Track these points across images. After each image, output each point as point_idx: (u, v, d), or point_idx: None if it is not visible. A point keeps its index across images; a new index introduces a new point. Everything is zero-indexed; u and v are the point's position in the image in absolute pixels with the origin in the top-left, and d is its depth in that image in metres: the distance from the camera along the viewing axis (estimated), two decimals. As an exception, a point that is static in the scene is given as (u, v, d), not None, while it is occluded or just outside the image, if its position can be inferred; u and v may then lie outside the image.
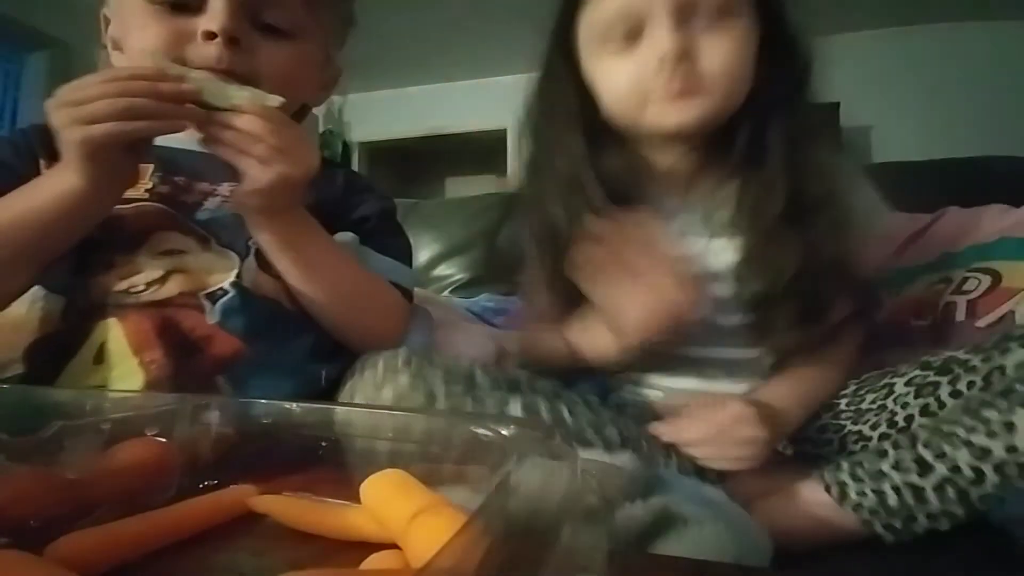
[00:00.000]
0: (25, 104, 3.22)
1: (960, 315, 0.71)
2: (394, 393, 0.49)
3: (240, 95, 0.47)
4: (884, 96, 3.28)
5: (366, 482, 0.28)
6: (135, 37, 0.53)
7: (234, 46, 0.52)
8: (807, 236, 0.57)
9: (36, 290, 0.49)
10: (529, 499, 0.17)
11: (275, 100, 0.48)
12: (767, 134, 0.59)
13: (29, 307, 0.49)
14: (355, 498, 0.28)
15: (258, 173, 0.46)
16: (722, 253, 0.62)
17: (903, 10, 3.14)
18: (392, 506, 0.26)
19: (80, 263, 0.50)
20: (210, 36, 0.51)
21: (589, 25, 0.61)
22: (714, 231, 0.62)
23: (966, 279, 0.74)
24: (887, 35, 3.33)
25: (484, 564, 0.14)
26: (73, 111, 0.43)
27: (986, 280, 0.72)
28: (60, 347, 0.48)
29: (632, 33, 0.57)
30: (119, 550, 0.26)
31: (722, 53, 0.55)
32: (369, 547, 0.25)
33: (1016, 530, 0.51)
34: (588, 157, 0.62)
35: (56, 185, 0.45)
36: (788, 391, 0.61)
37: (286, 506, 0.31)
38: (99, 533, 0.26)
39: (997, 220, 0.81)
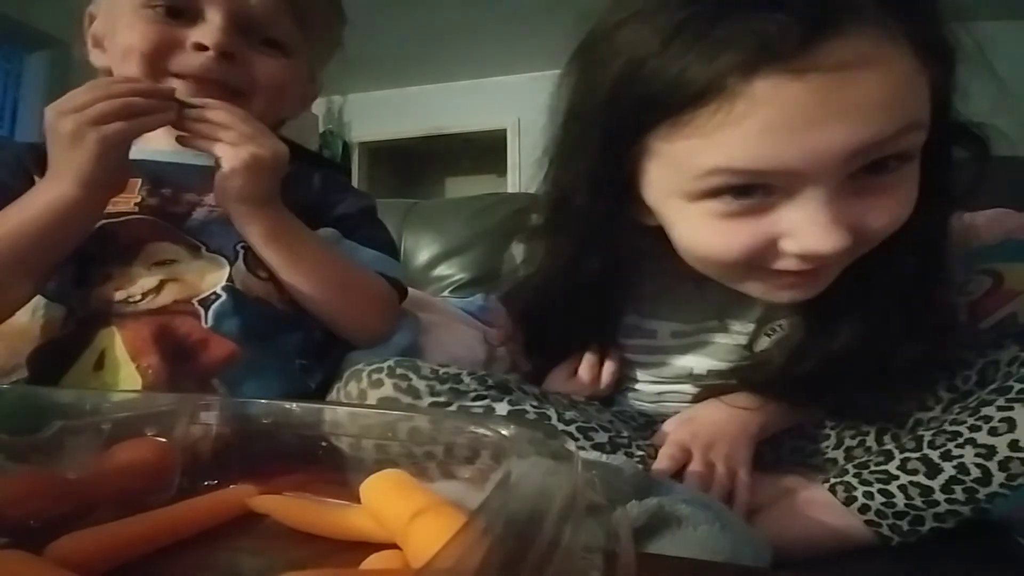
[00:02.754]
0: (25, 104, 3.22)
1: (962, 317, 0.71)
2: (378, 400, 0.49)
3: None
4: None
5: (366, 482, 0.27)
6: (122, 36, 0.53)
7: (226, 60, 0.54)
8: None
9: (38, 299, 0.50)
10: (529, 499, 0.17)
11: None
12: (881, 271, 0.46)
13: (32, 316, 0.50)
14: (355, 498, 0.27)
15: (231, 155, 0.50)
16: (735, 335, 0.58)
17: (903, 10, 3.14)
18: (392, 506, 0.26)
19: (79, 275, 0.52)
20: (201, 48, 0.53)
21: (683, 154, 0.40)
22: (735, 314, 0.57)
23: (968, 281, 0.74)
24: (887, 35, 3.33)
25: (484, 564, 0.14)
26: (79, 116, 0.45)
27: (987, 281, 0.72)
28: (61, 354, 0.49)
29: (762, 190, 0.39)
30: (119, 550, 0.26)
31: (886, 221, 0.40)
32: (369, 547, 0.25)
33: (1017, 530, 0.51)
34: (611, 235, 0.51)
35: (48, 194, 0.47)
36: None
37: (286, 506, 0.31)
38: (99, 533, 0.26)
39: (1001, 223, 0.81)
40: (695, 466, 0.53)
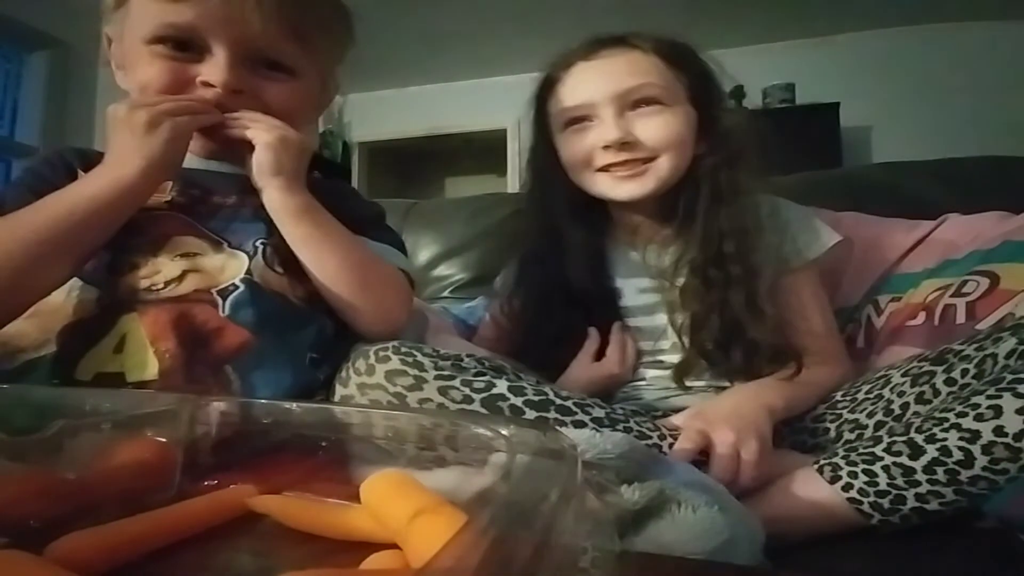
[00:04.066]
0: (25, 104, 3.22)
1: (960, 317, 0.71)
2: (386, 373, 0.52)
3: None
4: (884, 96, 3.28)
5: (366, 482, 0.28)
6: (138, 72, 0.57)
7: (236, 95, 0.57)
8: (726, 278, 0.70)
9: (74, 281, 0.53)
10: (528, 499, 0.17)
11: None
12: (698, 200, 0.73)
13: (67, 295, 0.53)
14: (355, 498, 0.28)
15: (264, 135, 0.56)
16: (661, 291, 0.76)
17: (903, 10, 3.14)
18: (392, 506, 0.26)
19: (111, 265, 0.55)
20: (209, 85, 0.56)
21: (553, 108, 0.78)
22: (659, 273, 0.77)
23: (965, 282, 0.74)
24: (887, 35, 3.33)
25: (484, 564, 0.14)
26: (154, 108, 0.52)
27: (984, 282, 0.73)
28: (87, 334, 0.52)
29: (584, 118, 0.74)
30: (119, 550, 0.26)
31: (656, 135, 0.72)
32: (369, 547, 0.25)
33: (1018, 526, 0.51)
34: (567, 211, 0.79)
35: (111, 175, 0.52)
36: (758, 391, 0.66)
37: (286, 506, 0.31)
38: (99, 533, 0.26)
39: (998, 225, 0.81)
40: (722, 449, 0.54)
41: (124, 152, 0.52)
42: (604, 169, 0.73)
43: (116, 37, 0.60)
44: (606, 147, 0.72)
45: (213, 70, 0.55)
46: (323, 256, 0.58)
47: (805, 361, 0.69)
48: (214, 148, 0.61)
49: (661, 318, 0.76)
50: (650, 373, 0.77)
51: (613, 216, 0.83)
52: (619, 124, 0.71)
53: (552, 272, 0.79)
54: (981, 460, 0.47)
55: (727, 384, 0.72)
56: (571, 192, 0.79)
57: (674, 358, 0.75)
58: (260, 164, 0.56)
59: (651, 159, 0.72)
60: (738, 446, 0.54)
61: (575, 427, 0.53)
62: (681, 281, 0.74)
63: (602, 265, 0.81)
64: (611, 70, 0.73)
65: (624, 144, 0.71)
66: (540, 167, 0.83)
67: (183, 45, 0.55)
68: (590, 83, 0.74)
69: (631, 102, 0.72)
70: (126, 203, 0.52)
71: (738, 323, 0.69)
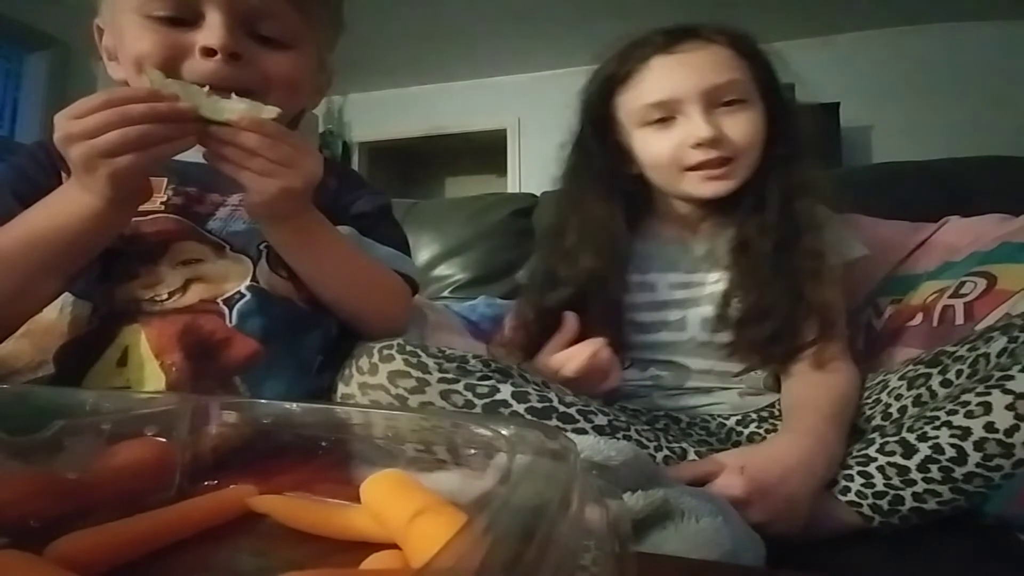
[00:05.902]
0: (25, 104, 3.22)
1: (959, 319, 0.71)
2: (388, 374, 0.51)
3: (236, 108, 0.47)
4: (884, 96, 3.28)
5: (366, 482, 0.28)
6: (130, 47, 0.53)
7: (234, 61, 0.52)
8: (786, 270, 0.68)
9: (65, 296, 0.51)
10: (529, 499, 0.17)
11: (271, 111, 0.47)
12: (767, 191, 0.72)
13: (59, 312, 0.51)
14: (355, 498, 0.28)
15: (259, 186, 0.47)
16: (715, 284, 0.74)
17: (903, 10, 3.14)
18: (392, 506, 0.26)
19: (105, 272, 0.52)
20: (209, 53, 0.51)
21: (628, 104, 0.75)
22: (711, 264, 0.75)
23: (963, 283, 0.75)
24: (887, 35, 3.33)
25: (484, 564, 0.14)
26: (88, 146, 0.43)
27: (981, 283, 0.73)
28: (87, 350, 0.50)
29: (669, 115, 0.71)
30: (119, 550, 0.26)
31: (741, 133, 0.70)
32: (369, 547, 0.25)
33: (1017, 526, 0.51)
34: (614, 210, 0.77)
35: (75, 204, 0.46)
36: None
37: (286, 506, 0.31)
38: (99, 533, 0.26)
39: (997, 228, 0.81)
40: (736, 492, 0.50)
41: (82, 182, 0.46)
42: (692, 168, 0.71)
43: (107, 23, 0.57)
44: (697, 145, 0.69)
45: (210, 33, 0.51)
46: (324, 281, 0.57)
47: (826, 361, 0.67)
48: None
49: (695, 312, 0.74)
50: (659, 372, 0.75)
51: (660, 210, 0.80)
52: (710, 121, 0.69)
53: (580, 264, 0.75)
54: (974, 456, 0.48)
55: (735, 369, 0.72)
56: (615, 187, 0.77)
57: (688, 359, 0.74)
58: (250, 209, 0.52)
59: (732, 158, 0.70)
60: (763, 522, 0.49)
61: (576, 434, 0.53)
62: (732, 268, 0.72)
63: (631, 259, 0.78)
64: (696, 64, 0.70)
65: (714, 142, 0.69)
66: (586, 162, 0.79)
67: (178, 18, 0.52)
68: (674, 78, 0.71)
69: (717, 99, 0.70)
70: (99, 230, 0.48)
71: (793, 315, 0.68)
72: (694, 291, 0.75)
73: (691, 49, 0.71)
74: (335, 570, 0.25)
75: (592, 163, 0.78)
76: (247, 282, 0.54)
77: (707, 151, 0.69)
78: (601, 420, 0.55)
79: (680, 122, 0.71)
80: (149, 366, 0.50)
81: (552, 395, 0.55)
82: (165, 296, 0.52)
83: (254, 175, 0.47)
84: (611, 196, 0.77)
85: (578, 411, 0.54)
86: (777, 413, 0.70)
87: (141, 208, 0.53)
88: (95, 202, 0.46)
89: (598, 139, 0.77)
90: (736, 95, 0.70)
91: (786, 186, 0.71)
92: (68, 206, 0.47)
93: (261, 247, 0.56)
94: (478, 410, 0.51)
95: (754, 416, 0.70)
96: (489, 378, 0.53)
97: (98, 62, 0.60)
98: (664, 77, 0.72)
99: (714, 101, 0.70)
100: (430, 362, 0.52)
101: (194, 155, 0.55)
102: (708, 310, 0.73)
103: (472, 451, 0.27)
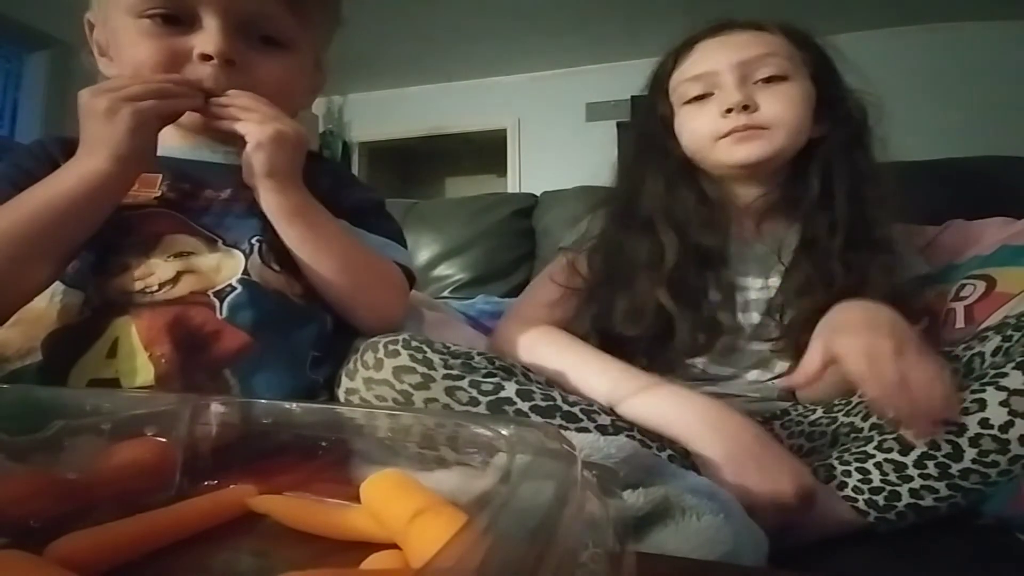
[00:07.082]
0: (25, 104, 3.22)
1: (959, 322, 0.71)
2: (393, 369, 0.51)
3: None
4: (884, 96, 3.28)
5: (366, 482, 0.28)
6: (127, 52, 0.54)
7: (230, 66, 0.54)
8: (857, 272, 0.66)
9: (56, 285, 0.51)
10: (529, 499, 0.17)
11: None
12: (833, 183, 0.71)
13: (49, 301, 0.51)
14: (355, 498, 0.28)
15: (257, 131, 0.52)
16: (770, 287, 0.73)
17: (903, 10, 3.14)
18: (392, 506, 0.26)
19: (97, 264, 0.53)
20: (206, 58, 0.53)
21: (674, 86, 0.76)
22: (773, 266, 0.73)
23: (963, 286, 0.75)
24: (887, 35, 3.33)
25: (484, 564, 0.14)
26: (115, 94, 0.48)
27: (980, 286, 0.73)
28: (76, 339, 0.50)
29: (707, 90, 0.72)
30: (119, 550, 0.26)
31: (776, 105, 0.69)
32: (369, 547, 0.25)
33: (1017, 526, 0.51)
34: (668, 193, 0.74)
35: (81, 168, 0.49)
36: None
37: (286, 506, 0.31)
38: (99, 533, 0.26)
39: (999, 231, 0.81)
40: (880, 377, 0.48)
41: (91, 142, 0.49)
42: (724, 136, 0.71)
43: (99, 21, 0.57)
44: (728, 111, 0.69)
45: (206, 39, 0.52)
46: (319, 257, 0.56)
47: None
48: (207, 134, 0.58)
49: (747, 316, 0.73)
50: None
51: (725, 204, 0.76)
52: (741, 90, 0.69)
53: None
54: (970, 452, 0.48)
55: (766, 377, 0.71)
56: (681, 180, 0.75)
57: (717, 367, 0.71)
58: (251, 164, 0.53)
59: (765, 127, 0.70)
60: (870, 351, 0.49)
61: (579, 433, 0.53)
62: (794, 269, 0.70)
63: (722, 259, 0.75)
64: (735, 42, 0.72)
65: (744, 107, 0.69)
66: (647, 160, 0.78)
67: (173, 20, 0.53)
68: (713, 55, 0.73)
69: (754, 75, 0.70)
70: (101, 197, 0.50)
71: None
72: (750, 294, 0.74)
73: (736, 31, 0.73)
74: (335, 570, 0.25)
75: (652, 146, 0.78)
76: (239, 275, 0.54)
77: (737, 116, 0.69)
78: (604, 419, 0.55)
79: (716, 97, 0.72)
80: (138, 357, 0.49)
81: (556, 394, 0.55)
82: (156, 287, 0.52)
83: (252, 123, 0.52)
84: (664, 190, 0.75)
85: (581, 410, 0.54)
86: (792, 414, 0.69)
87: (135, 202, 0.54)
88: (101, 165, 0.48)
89: (657, 121, 0.78)
90: (774, 70, 0.70)
91: (853, 171, 0.71)
92: (69, 178, 0.49)
93: (254, 241, 0.56)
94: (482, 407, 0.51)
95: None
96: (494, 375, 0.53)
97: (88, 56, 0.60)
98: (703, 56, 0.74)
99: (750, 74, 0.70)
100: (435, 358, 0.51)
101: (189, 152, 0.58)
102: (755, 316, 0.72)
103: (473, 451, 0.27)
